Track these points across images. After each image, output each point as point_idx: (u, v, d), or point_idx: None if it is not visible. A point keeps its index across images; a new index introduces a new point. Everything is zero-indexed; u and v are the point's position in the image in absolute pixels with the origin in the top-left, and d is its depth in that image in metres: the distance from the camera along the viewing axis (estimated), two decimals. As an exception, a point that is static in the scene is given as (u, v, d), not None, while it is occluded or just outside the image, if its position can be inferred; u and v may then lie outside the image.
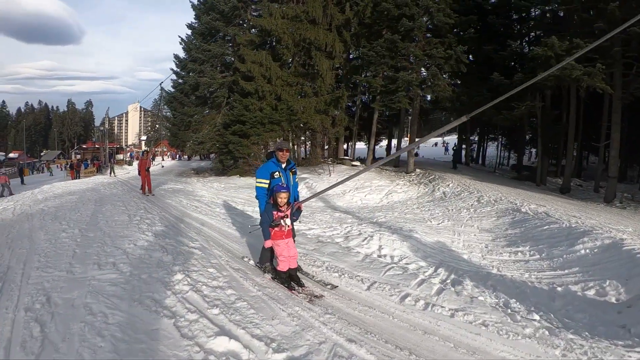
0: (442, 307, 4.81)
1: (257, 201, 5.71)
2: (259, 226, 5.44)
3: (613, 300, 5.59)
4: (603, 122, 19.43)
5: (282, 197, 5.14)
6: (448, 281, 6.02)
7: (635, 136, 23.57)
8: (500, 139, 34.91)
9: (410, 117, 22.42)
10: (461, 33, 20.44)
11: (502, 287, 5.90)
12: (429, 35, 19.59)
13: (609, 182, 17.25)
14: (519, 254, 7.89)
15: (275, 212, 5.19)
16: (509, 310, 4.82)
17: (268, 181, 5.43)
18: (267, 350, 3.63)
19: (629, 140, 23.79)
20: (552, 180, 22.33)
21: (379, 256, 7.12)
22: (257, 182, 5.54)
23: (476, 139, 36.10)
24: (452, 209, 12.37)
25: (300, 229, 9.11)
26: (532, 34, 23.27)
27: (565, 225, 8.60)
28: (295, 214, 5.47)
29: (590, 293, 5.83)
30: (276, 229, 5.21)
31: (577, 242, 7.44)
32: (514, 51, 19.92)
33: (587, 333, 4.30)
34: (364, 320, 4.43)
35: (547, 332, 4.17)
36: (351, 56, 24.02)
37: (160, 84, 35.95)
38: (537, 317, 4.65)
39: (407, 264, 6.71)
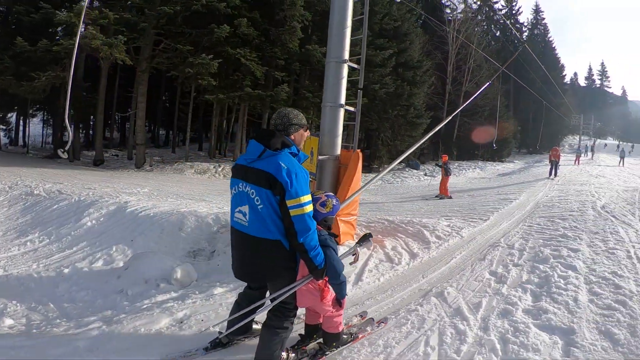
0: None
1: None
2: None
3: (121, 264, 5.46)
4: (134, 92, 20.16)
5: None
6: None
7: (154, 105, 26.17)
8: (43, 115, 31.02)
9: None
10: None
11: (6, 290, 4.70)
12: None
13: (138, 148, 18.23)
14: (28, 243, 6.73)
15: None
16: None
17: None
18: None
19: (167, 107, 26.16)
20: (89, 153, 21.68)
21: None
22: (305, 203, 2.51)
23: (13, 117, 30.60)
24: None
25: None
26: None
27: (75, 200, 8.02)
28: None
29: (98, 265, 5.54)
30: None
31: (84, 214, 7.04)
32: (46, 16, 17.16)
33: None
34: None
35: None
36: None
37: None
38: (9, 321, 3.76)
39: None
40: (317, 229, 2.68)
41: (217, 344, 3.04)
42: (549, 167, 21.38)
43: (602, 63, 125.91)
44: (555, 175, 20.42)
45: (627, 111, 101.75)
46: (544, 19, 55.51)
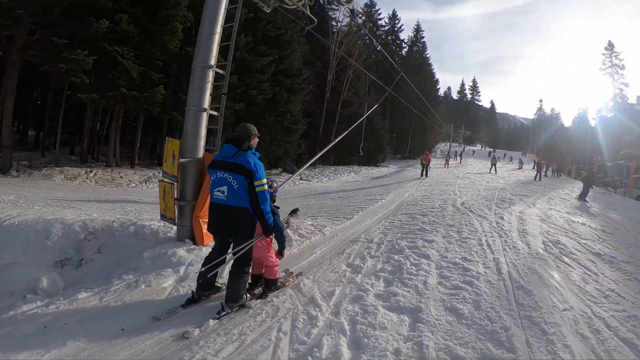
0: None
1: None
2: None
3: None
4: (2, 87, 17.64)
5: None
6: None
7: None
8: None
9: None
10: None
11: None
12: None
13: (4, 151, 16.26)
14: None
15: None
16: None
17: None
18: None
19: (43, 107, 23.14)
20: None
21: None
22: (265, 183, 4.08)
23: None
24: None
25: None
26: None
27: None
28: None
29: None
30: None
31: None
32: None
33: None
34: None
35: None
36: None
37: None
38: None
39: None
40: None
41: (191, 300, 4.19)
42: (420, 169, 24.18)
43: (474, 79, 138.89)
44: (426, 176, 23.15)
45: (494, 122, 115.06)
46: (423, 37, 60.71)
